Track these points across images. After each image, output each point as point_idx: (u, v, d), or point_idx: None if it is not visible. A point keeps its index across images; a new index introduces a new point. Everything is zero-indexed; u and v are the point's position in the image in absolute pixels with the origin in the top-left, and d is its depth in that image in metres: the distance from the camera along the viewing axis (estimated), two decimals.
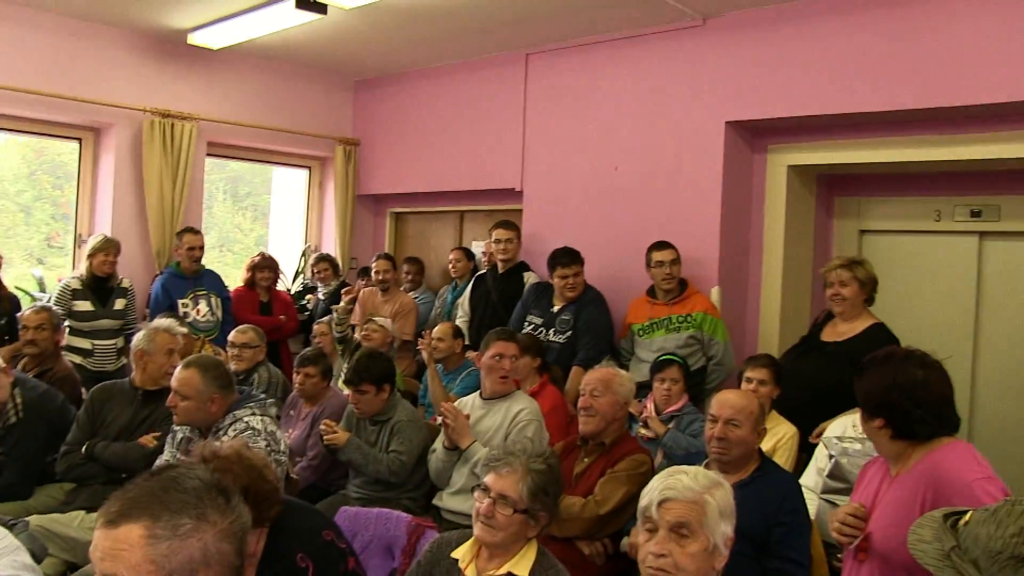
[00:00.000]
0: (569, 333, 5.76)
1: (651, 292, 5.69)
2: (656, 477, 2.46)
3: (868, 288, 4.72)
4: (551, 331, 5.84)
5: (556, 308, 5.90)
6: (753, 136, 5.96)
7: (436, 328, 5.99)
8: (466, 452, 4.22)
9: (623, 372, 4.13)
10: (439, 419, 4.29)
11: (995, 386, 5.51)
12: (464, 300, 6.73)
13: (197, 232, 6.98)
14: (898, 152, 5.31)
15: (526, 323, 5.98)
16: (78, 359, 6.14)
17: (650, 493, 2.40)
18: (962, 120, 5.04)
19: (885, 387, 2.51)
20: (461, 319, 6.60)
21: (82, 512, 4.01)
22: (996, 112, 4.85)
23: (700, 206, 5.86)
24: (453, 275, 7.37)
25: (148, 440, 4.30)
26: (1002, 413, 5.45)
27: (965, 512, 1.39)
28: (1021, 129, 4.85)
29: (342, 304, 6.29)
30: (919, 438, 2.48)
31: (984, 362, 5.55)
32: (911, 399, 2.48)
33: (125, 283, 6.53)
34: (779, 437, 4.38)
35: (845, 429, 4.07)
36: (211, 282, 6.99)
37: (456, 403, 4.57)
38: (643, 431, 4.69)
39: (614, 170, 6.40)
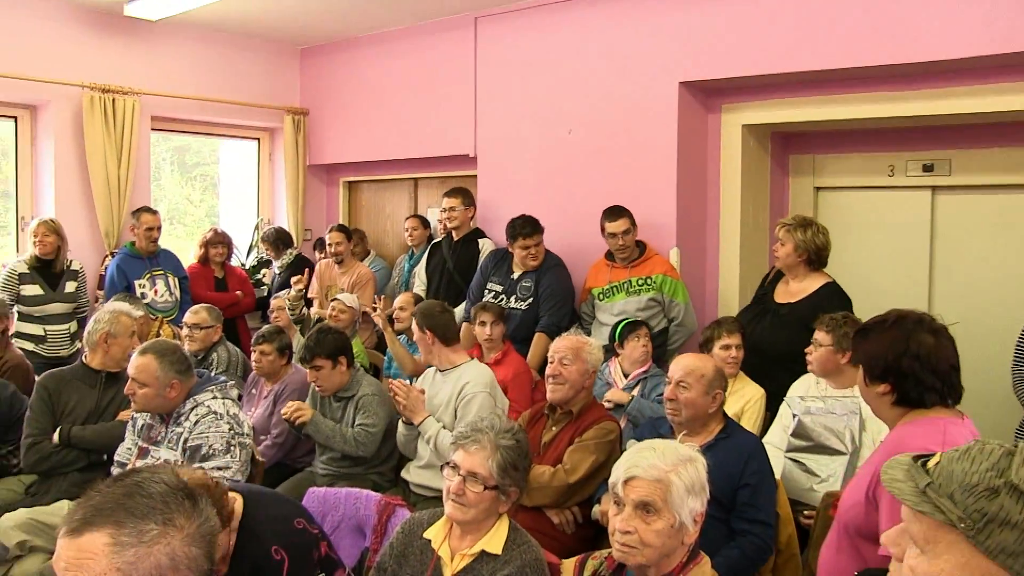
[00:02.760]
0: (530, 300, 5.78)
1: (609, 256, 5.70)
2: (626, 453, 2.47)
3: (804, 252, 4.74)
4: (512, 298, 5.85)
5: (516, 275, 5.91)
6: (707, 96, 5.96)
7: (398, 298, 5.98)
8: (419, 427, 4.22)
9: (592, 340, 4.14)
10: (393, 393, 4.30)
11: None
12: (420, 269, 6.73)
13: (154, 212, 6.88)
14: (851, 108, 5.35)
15: (486, 291, 5.98)
16: (30, 346, 6.04)
17: (617, 469, 2.41)
18: (914, 76, 5.07)
19: (897, 353, 2.49)
20: (419, 288, 6.60)
21: (66, 501, 3.98)
22: (947, 68, 4.88)
23: (656, 168, 5.86)
24: (409, 243, 7.38)
25: (126, 415, 4.24)
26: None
27: (931, 456, 1.41)
28: (971, 84, 4.90)
29: (292, 292, 6.32)
30: (925, 406, 2.48)
31: (938, 315, 5.60)
32: (924, 366, 2.47)
33: (75, 265, 6.41)
34: (747, 399, 4.43)
35: (808, 388, 4.14)
36: (168, 262, 6.92)
37: (420, 377, 4.57)
38: (608, 398, 4.71)
39: (567, 134, 6.38)
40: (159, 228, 6.84)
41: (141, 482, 1.61)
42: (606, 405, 4.51)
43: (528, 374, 5.21)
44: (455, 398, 4.25)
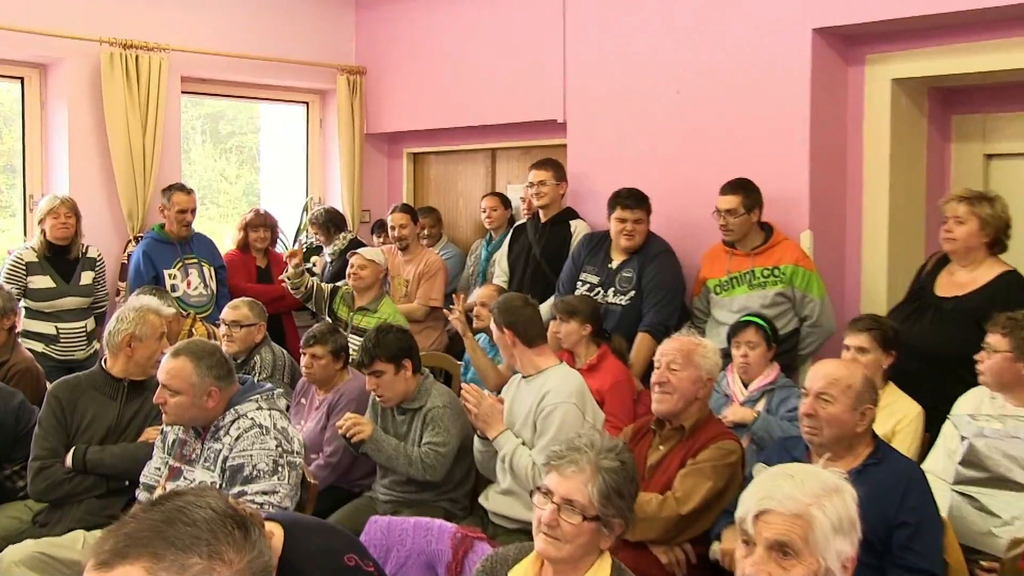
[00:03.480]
0: (632, 293, 5.75)
1: (728, 241, 5.65)
2: (756, 480, 2.43)
3: (991, 231, 4.63)
4: (610, 291, 5.83)
5: (615, 263, 5.88)
6: (847, 45, 5.87)
7: (477, 292, 6.02)
8: (494, 443, 4.24)
9: (707, 342, 4.11)
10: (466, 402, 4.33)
11: None
12: (501, 256, 6.74)
13: (189, 191, 6.94)
14: None
15: (579, 282, 5.97)
16: (39, 347, 6.15)
17: (746, 501, 2.36)
18: None
19: None
20: (499, 278, 6.63)
21: (82, 532, 4.04)
22: None
23: (784, 134, 5.78)
24: (487, 226, 7.40)
25: (153, 433, 4.27)
26: None
27: None
28: None
29: (290, 270, 6.43)
30: None
31: None
32: None
33: (92, 252, 6.51)
34: (899, 417, 4.33)
35: (981, 404, 4.01)
36: (202, 248, 6.98)
37: (505, 386, 4.59)
38: (727, 417, 4.65)
39: (676, 94, 6.32)
40: (194, 211, 6.91)
41: (184, 507, 1.60)
42: (725, 423, 4.45)
43: (629, 382, 5.18)
44: (535, 410, 4.25)
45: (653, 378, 3.97)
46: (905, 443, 4.22)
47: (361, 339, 5.52)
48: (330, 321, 5.91)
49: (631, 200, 5.77)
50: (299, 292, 6.46)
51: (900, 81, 5.76)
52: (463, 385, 4.34)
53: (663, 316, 5.58)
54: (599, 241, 6.03)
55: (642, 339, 5.58)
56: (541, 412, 4.21)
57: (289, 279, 6.43)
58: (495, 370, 5.58)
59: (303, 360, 5.19)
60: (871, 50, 5.81)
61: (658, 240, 5.90)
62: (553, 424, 4.14)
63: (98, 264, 6.52)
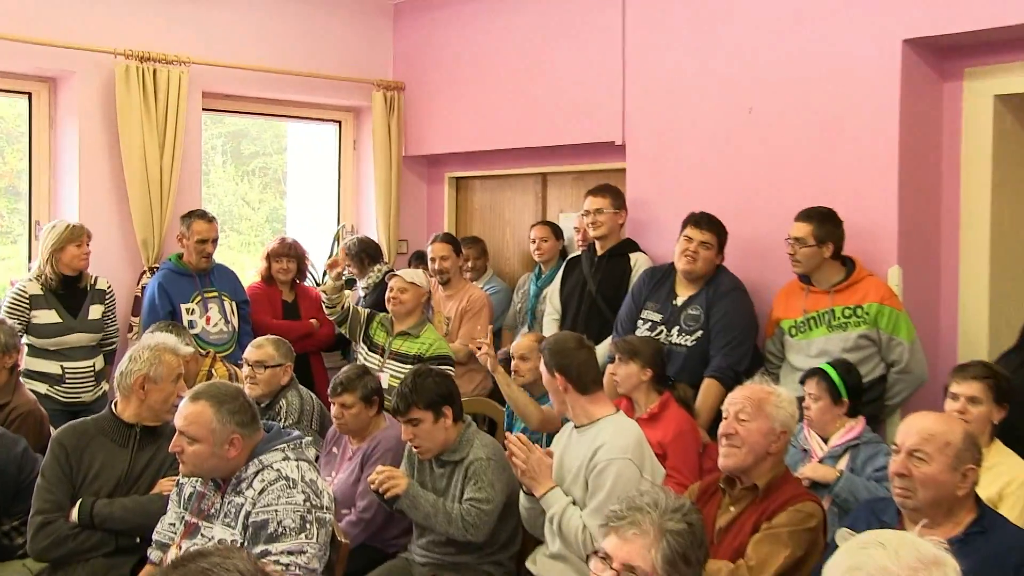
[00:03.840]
0: (699, 333, 5.71)
1: (805, 277, 5.60)
2: (842, 549, 2.35)
3: None
4: (674, 330, 5.80)
5: (681, 299, 5.84)
6: (942, 58, 5.81)
7: (518, 342, 5.97)
8: (541, 501, 4.20)
9: (781, 390, 4.04)
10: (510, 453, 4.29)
11: None
12: (553, 292, 6.71)
13: (211, 219, 6.95)
14: None
15: (640, 320, 5.94)
16: (43, 388, 6.16)
17: (831, 572, 2.29)
18: None
19: None
20: (550, 316, 6.61)
21: None
22: None
23: (870, 157, 5.72)
24: (537, 259, 7.36)
25: (168, 485, 4.25)
26: None
27: None
28: None
29: (329, 281, 6.42)
30: None
31: None
32: None
33: (102, 283, 6.53)
34: (1007, 480, 4.23)
35: None
36: (224, 281, 7.01)
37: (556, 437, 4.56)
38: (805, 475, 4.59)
39: (748, 113, 6.28)
40: (215, 240, 6.93)
41: (209, 569, 1.60)
42: (803, 482, 4.38)
43: (694, 434, 5.14)
44: (586, 465, 4.21)
45: (720, 429, 3.92)
46: (1015, 510, 4.11)
47: (401, 365, 5.70)
48: (360, 363, 5.86)
49: (703, 220, 5.77)
50: (335, 312, 6.45)
51: (1004, 97, 5.70)
52: (508, 436, 4.31)
53: (733, 360, 5.52)
54: (663, 275, 5.99)
55: (709, 385, 5.52)
56: (593, 468, 4.17)
57: (326, 293, 6.42)
58: (538, 409, 5.53)
59: (333, 410, 5.18)
60: (970, 63, 5.75)
61: (729, 276, 5.85)
62: (606, 482, 4.10)
63: (108, 297, 6.52)
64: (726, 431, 3.88)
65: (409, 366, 5.76)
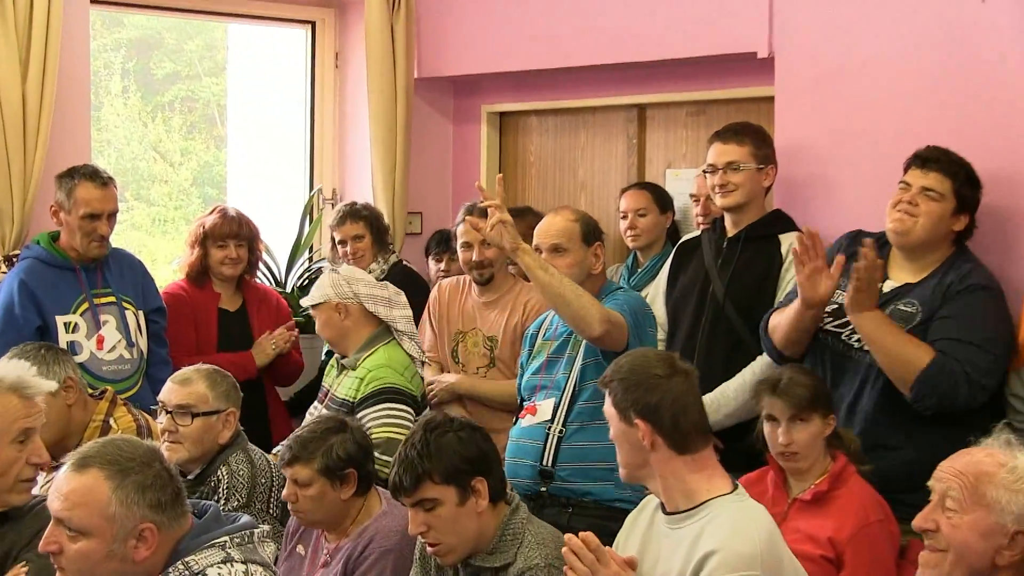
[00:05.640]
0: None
1: None
2: None
3: None
4: None
5: (892, 285, 4.60)
6: None
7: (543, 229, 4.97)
8: None
9: (1022, 461, 3.17)
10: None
11: None
12: (656, 295, 5.38)
13: (104, 181, 5.55)
14: None
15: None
16: None
17: None
18: None
19: None
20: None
21: None
22: None
23: None
24: (630, 243, 5.94)
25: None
26: None
27: None
28: None
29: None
30: None
31: None
32: None
33: None
34: None
35: None
36: (126, 278, 5.67)
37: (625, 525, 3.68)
38: None
39: (981, 3, 5.01)
40: (112, 214, 5.56)
41: None
42: None
43: (889, 524, 4.04)
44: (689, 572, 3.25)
45: (915, 522, 3.15)
46: None
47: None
48: (323, 410, 5.00)
49: (932, 158, 4.54)
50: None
51: None
52: (569, 538, 3.34)
53: (975, 359, 4.32)
54: (848, 254, 4.73)
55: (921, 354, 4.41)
56: None
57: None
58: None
59: (284, 490, 4.24)
60: None
61: (979, 270, 4.51)
62: None
63: None
64: (923, 525, 3.19)
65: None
